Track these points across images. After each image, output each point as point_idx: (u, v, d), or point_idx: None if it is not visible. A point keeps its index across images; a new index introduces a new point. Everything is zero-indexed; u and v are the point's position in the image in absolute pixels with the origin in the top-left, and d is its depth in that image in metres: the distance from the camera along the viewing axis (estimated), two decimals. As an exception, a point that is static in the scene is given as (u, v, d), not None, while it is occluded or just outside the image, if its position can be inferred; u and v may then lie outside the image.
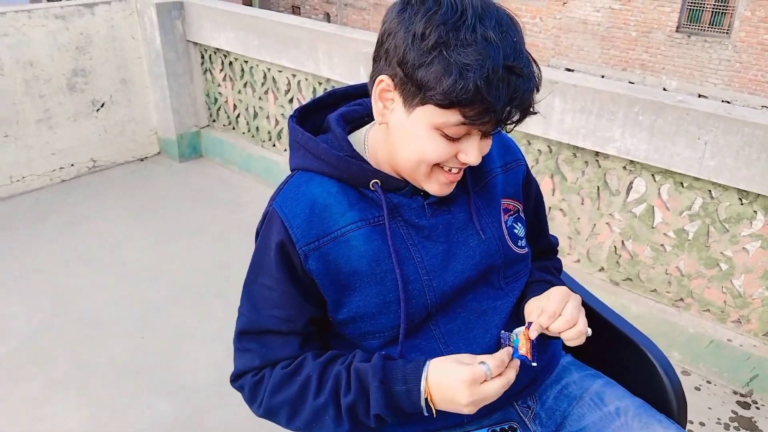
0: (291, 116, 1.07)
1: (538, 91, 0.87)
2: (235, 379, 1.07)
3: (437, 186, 0.95)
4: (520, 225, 1.12)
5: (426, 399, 0.92)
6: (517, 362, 0.96)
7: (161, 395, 2.14)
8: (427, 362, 0.94)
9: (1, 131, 3.36)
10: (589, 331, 1.01)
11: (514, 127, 0.90)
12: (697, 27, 11.45)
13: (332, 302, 1.00)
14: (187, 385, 2.19)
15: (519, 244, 1.10)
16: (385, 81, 0.89)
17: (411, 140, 0.90)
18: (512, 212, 1.11)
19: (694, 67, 11.60)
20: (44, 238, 3.10)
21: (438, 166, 0.92)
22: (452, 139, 0.88)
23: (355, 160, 0.98)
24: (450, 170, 0.93)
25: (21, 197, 3.50)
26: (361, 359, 0.98)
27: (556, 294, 1.01)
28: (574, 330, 0.98)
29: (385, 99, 0.91)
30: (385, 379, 0.93)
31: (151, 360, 2.31)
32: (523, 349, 0.97)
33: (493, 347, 1.04)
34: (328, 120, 1.06)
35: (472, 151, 0.90)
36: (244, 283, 1.06)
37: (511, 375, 0.93)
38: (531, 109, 0.88)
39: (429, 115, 0.86)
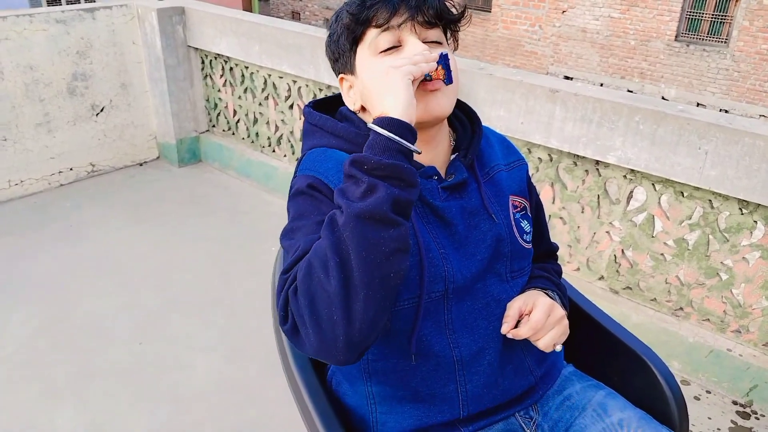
0: (306, 105, 1.12)
1: None
2: (282, 311, 0.89)
3: (423, 103, 0.96)
4: (526, 221, 1.14)
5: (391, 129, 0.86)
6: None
7: (160, 402, 2.13)
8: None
9: (0, 134, 3.35)
10: (558, 348, 1.07)
11: (442, 22, 0.99)
12: (695, 36, 11.49)
13: None
14: (186, 392, 2.18)
15: (525, 238, 1.12)
16: (342, 78, 1.06)
17: (371, 84, 0.98)
18: (519, 209, 1.14)
19: (693, 76, 11.63)
20: (42, 243, 3.09)
21: (415, 88, 0.93)
22: (395, 53, 0.97)
23: None
24: (425, 80, 0.95)
25: (19, 201, 3.49)
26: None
27: (541, 308, 1.06)
28: (545, 340, 1.05)
29: (348, 93, 1.06)
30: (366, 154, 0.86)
31: (150, 367, 2.30)
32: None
33: (492, 337, 1.06)
34: (340, 111, 1.09)
35: (413, 44, 0.96)
36: (283, 249, 0.99)
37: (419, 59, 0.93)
38: (440, 3, 0.98)
39: (362, 54, 0.99)
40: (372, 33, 0.97)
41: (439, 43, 1.00)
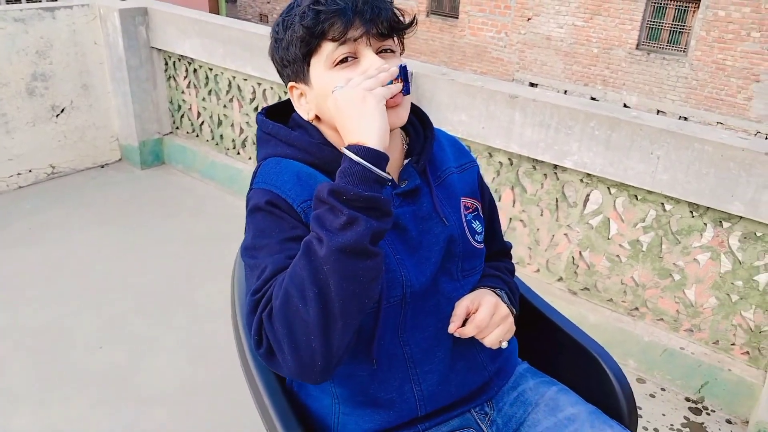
0: (259, 113, 1.12)
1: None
2: (256, 335, 0.89)
3: (388, 116, 0.92)
4: (478, 222, 1.17)
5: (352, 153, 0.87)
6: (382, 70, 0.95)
7: (123, 405, 2.10)
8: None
9: (-45, 135, 3.27)
10: (504, 345, 1.10)
11: (394, 33, 1.00)
12: (656, 45, 11.81)
13: None
14: (150, 394, 2.16)
15: (477, 238, 1.15)
16: (293, 87, 1.05)
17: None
18: (471, 210, 1.16)
19: (653, 84, 11.94)
20: (1, 246, 3.03)
21: None
22: (349, 66, 0.97)
23: (327, 146, 1.03)
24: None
25: (-25, 203, 3.41)
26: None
27: (486, 307, 1.08)
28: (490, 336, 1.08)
29: (300, 102, 1.05)
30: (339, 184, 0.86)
31: (113, 370, 2.27)
32: None
33: (443, 334, 1.08)
34: (293, 118, 1.09)
35: (371, 61, 0.96)
36: (247, 267, 0.99)
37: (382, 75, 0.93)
38: (392, 12, 0.99)
39: (317, 65, 0.99)
40: (327, 46, 0.96)
41: (393, 51, 1.01)
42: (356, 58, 0.97)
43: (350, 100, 0.90)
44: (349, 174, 0.84)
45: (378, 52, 0.98)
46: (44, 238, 3.12)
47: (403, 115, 1.00)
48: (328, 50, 0.96)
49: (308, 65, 0.99)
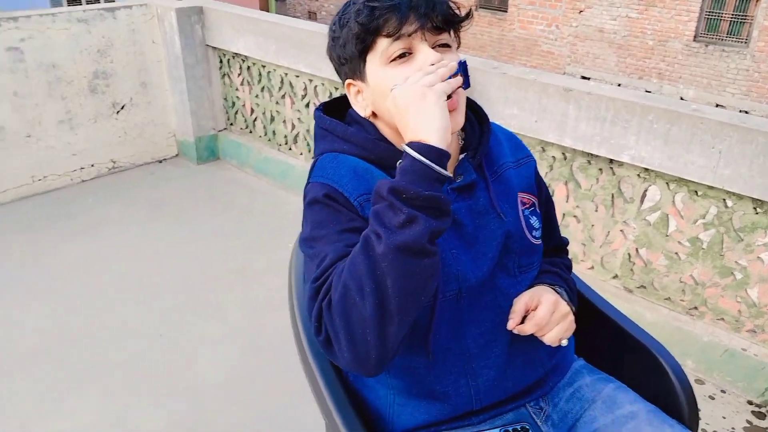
0: (317, 108, 1.13)
1: None
2: (316, 321, 0.91)
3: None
4: (535, 218, 1.16)
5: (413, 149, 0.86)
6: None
7: (177, 395, 2.17)
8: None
9: (24, 131, 3.42)
10: (564, 342, 1.10)
11: (449, 27, 1.00)
12: (715, 36, 11.38)
13: None
14: (201, 385, 2.22)
15: (534, 234, 1.14)
16: (350, 84, 1.06)
17: (385, 94, 0.97)
18: (528, 205, 1.15)
19: (712, 77, 11.52)
20: (64, 237, 3.16)
21: None
22: (406, 62, 0.97)
23: (383, 142, 1.04)
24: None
25: (42, 196, 3.56)
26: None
27: (545, 305, 1.08)
28: (550, 334, 1.08)
29: (359, 98, 1.06)
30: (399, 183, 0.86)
31: (167, 360, 2.34)
32: None
33: (501, 330, 1.08)
34: (350, 114, 1.10)
35: (427, 55, 0.96)
36: (307, 252, 1.00)
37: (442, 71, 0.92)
38: (449, 6, 0.98)
39: (373, 62, 0.99)
40: (383, 42, 0.96)
41: (449, 45, 1.01)
42: (411, 53, 0.97)
43: (410, 97, 0.89)
44: (410, 172, 0.84)
45: (433, 47, 0.98)
46: (105, 230, 3.24)
47: (461, 119, 1.00)
48: (383, 46, 0.96)
49: (364, 62, 1.00)
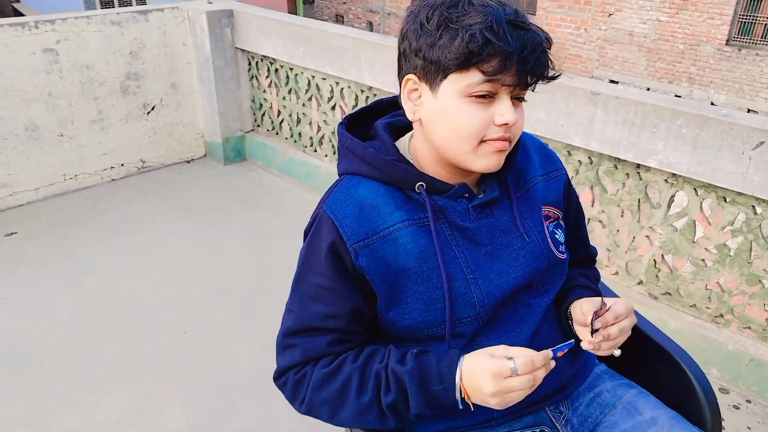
0: (340, 123, 1.11)
1: (549, 47, 0.93)
2: (278, 377, 1.10)
3: (485, 160, 0.96)
4: (560, 231, 1.15)
5: (461, 393, 0.95)
6: (549, 363, 0.96)
7: (203, 389, 2.21)
8: (461, 357, 0.96)
9: (57, 130, 3.51)
10: (617, 353, 1.06)
11: (535, 84, 0.95)
12: (748, 40, 11.16)
13: (383, 299, 1.02)
14: (227, 380, 2.26)
15: (560, 249, 1.13)
16: (411, 80, 0.97)
17: (446, 119, 0.94)
18: (552, 219, 1.14)
19: (744, 82, 11.30)
20: (94, 235, 3.23)
21: (483, 141, 0.95)
22: (483, 103, 0.92)
23: (401, 163, 1.02)
24: (493, 140, 0.95)
25: (73, 194, 3.65)
26: (397, 358, 1.00)
27: (623, 303, 1.05)
28: (610, 343, 1.03)
29: (413, 98, 0.99)
30: (423, 382, 0.96)
31: (194, 355, 2.39)
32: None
33: (524, 343, 1.07)
34: (375, 127, 1.10)
35: (506, 110, 0.92)
36: (293, 282, 1.09)
37: (539, 374, 0.93)
38: (549, 65, 0.94)
39: (453, 84, 0.92)
40: (475, 76, 0.90)
41: (524, 100, 0.97)
42: (492, 97, 0.93)
43: (495, 400, 0.92)
44: (435, 407, 0.98)
45: (512, 98, 0.95)
46: (134, 228, 3.31)
47: (501, 162, 0.98)
48: (473, 80, 0.90)
49: (444, 77, 0.92)
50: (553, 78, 0.96)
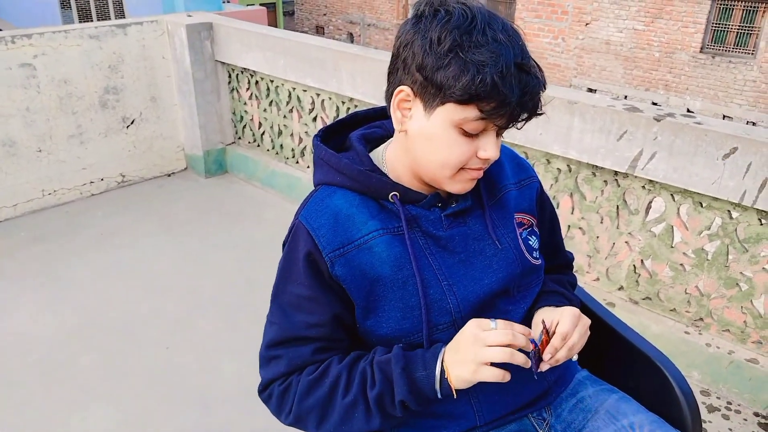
0: (315, 135, 1.12)
1: (544, 89, 0.94)
2: (263, 389, 1.10)
3: (460, 185, 1.00)
4: (534, 237, 1.16)
5: (445, 380, 0.97)
6: (527, 331, 0.98)
7: (189, 405, 2.19)
8: (443, 347, 0.99)
9: (35, 146, 3.48)
10: (575, 357, 1.08)
11: (523, 125, 0.96)
12: (721, 48, 11.40)
13: (360, 308, 1.03)
14: (212, 395, 2.24)
15: (534, 255, 1.14)
16: (404, 90, 0.95)
17: (433, 143, 0.95)
18: (527, 226, 1.15)
19: (719, 88, 11.52)
20: (75, 250, 3.19)
21: (462, 168, 0.97)
22: (471, 137, 0.94)
23: (375, 174, 1.03)
24: (472, 169, 0.98)
25: (52, 210, 3.61)
26: (382, 353, 1.02)
27: (568, 316, 1.04)
28: (565, 353, 1.03)
29: (404, 108, 0.97)
30: (407, 366, 0.98)
31: (178, 370, 2.36)
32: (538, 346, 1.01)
33: None
34: (350, 139, 1.11)
35: (491, 147, 0.95)
36: (273, 294, 1.10)
37: (519, 339, 0.95)
38: (539, 107, 0.95)
39: (449, 113, 0.92)
40: (471, 112, 0.90)
41: (502, 134, 0.99)
42: (478, 133, 0.94)
43: (473, 356, 0.94)
44: (418, 395, 0.98)
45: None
46: (114, 243, 3.28)
47: (469, 188, 1.02)
48: (469, 115, 0.90)
49: (442, 103, 0.91)
50: (538, 115, 0.97)
